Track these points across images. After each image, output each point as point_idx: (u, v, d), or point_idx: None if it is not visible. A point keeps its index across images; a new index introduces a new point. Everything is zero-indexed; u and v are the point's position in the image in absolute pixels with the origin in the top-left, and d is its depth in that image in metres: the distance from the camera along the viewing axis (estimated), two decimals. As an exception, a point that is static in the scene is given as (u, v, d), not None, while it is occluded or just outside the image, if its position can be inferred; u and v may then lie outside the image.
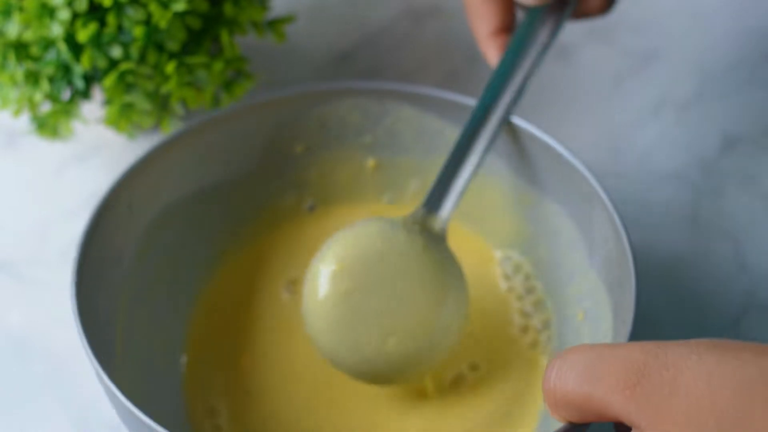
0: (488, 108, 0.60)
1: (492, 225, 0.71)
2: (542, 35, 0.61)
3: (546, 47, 0.61)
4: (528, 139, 0.66)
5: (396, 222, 0.59)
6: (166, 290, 0.69)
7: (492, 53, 0.63)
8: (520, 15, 0.68)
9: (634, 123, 0.82)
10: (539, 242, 0.69)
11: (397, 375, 0.59)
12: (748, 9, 0.86)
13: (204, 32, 0.72)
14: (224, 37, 0.72)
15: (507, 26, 0.63)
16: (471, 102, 0.65)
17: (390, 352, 0.57)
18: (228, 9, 0.72)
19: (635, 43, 0.85)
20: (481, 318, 0.68)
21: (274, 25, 0.76)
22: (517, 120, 0.66)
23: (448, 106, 0.67)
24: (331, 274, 0.58)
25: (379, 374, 0.59)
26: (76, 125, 0.79)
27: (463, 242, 0.69)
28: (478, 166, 0.60)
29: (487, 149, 0.60)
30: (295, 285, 0.70)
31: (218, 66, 0.72)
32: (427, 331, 0.57)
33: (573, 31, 0.84)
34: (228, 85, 0.74)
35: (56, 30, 0.69)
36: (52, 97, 0.72)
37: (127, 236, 0.67)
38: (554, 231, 0.68)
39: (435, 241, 0.59)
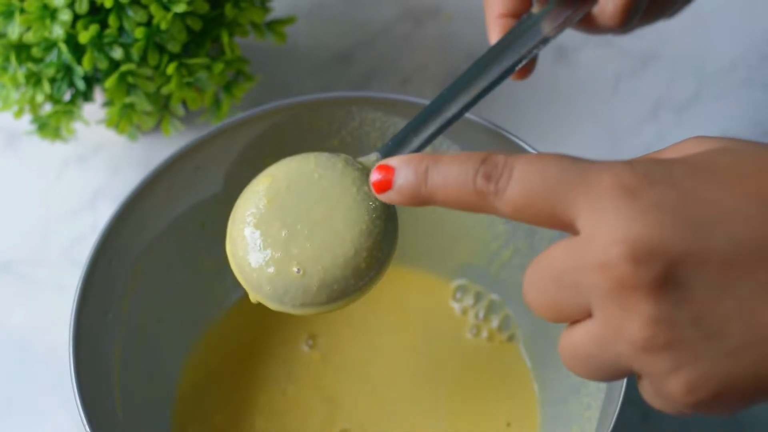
0: (472, 79, 0.61)
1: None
2: (546, 28, 0.62)
3: (546, 40, 0.62)
4: (495, 138, 0.68)
5: (339, 155, 0.59)
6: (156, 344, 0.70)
7: (494, 32, 0.64)
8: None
9: (632, 124, 0.82)
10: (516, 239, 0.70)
11: (296, 299, 0.57)
12: (746, 11, 0.86)
13: (204, 33, 0.73)
14: (224, 38, 0.72)
15: (517, 13, 0.63)
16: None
17: (292, 276, 0.56)
18: (228, 10, 0.72)
19: (634, 44, 0.85)
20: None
21: (274, 26, 0.76)
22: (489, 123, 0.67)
23: (411, 108, 0.68)
24: (260, 186, 0.58)
25: (278, 295, 0.57)
26: (77, 126, 0.79)
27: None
28: (444, 128, 0.60)
29: (460, 115, 0.60)
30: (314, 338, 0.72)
31: (219, 67, 0.72)
32: (334, 264, 0.56)
33: (573, 33, 0.84)
34: (228, 86, 0.74)
35: (57, 31, 0.69)
36: (54, 99, 0.72)
37: (113, 294, 0.67)
38: (531, 228, 0.69)
39: None
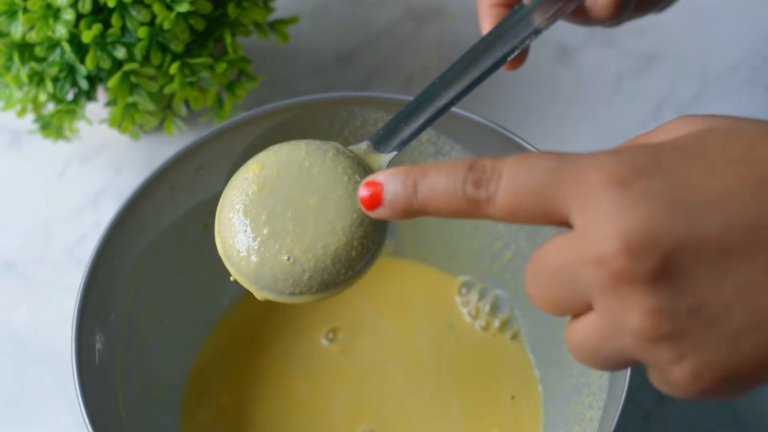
0: (463, 69, 0.60)
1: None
2: (538, 18, 0.62)
3: (538, 31, 0.62)
4: (495, 136, 0.68)
5: (329, 143, 0.59)
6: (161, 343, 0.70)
7: (486, 21, 0.64)
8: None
9: (635, 124, 0.82)
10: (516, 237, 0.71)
11: (285, 288, 0.56)
12: (747, 11, 0.86)
13: (207, 33, 0.73)
14: (227, 37, 0.72)
15: (510, 3, 0.63)
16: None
17: (282, 264, 0.56)
18: (231, 10, 0.72)
19: (636, 44, 0.85)
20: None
21: (277, 26, 0.76)
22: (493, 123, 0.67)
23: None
24: (249, 173, 0.57)
25: (269, 284, 0.56)
26: (80, 125, 0.79)
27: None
28: (435, 118, 0.60)
29: (451, 105, 0.60)
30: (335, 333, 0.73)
31: (221, 67, 0.72)
32: (325, 253, 0.55)
33: (575, 33, 0.84)
34: (231, 86, 0.74)
35: (60, 31, 0.69)
36: (57, 98, 0.72)
37: (117, 290, 0.67)
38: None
39: (364, 171, 0.58)
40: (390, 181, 0.48)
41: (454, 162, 0.47)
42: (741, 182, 0.43)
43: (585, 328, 0.44)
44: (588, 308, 0.44)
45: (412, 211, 0.48)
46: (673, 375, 0.43)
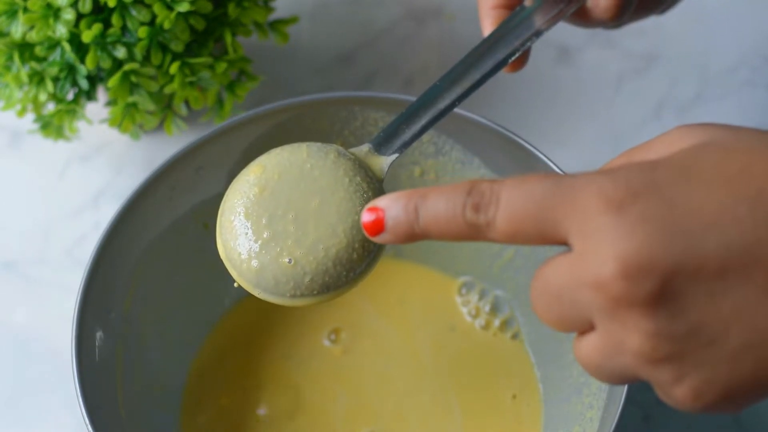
0: (464, 71, 0.60)
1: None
2: (539, 20, 0.62)
3: (540, 33, 0.62)
4: (497, 137, 0.68)
5: (330, 145, 0.59)
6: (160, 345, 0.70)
7: (487, 23, 0.64)
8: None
9: (635, 124, 0.82)
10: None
11: (287, 290, 0.56)
12: (747, 11, 0.86)
13: (207, 33, 0.73)
14: (228, 37, 0.72)
15: (511, 5, 0.63)
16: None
17: (284, 266, 0.56)
18: (231, 10, 0.72)
19: (636, 45, 0.85)
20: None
21: (277, 26, 0.76)
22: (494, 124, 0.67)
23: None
24: (251, 176, 0.57)
25: (270, 286, 0.56)
26: (80, 125, 0.79)
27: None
28: (436, 120, 0.60)
29: (452, 107, 0.60)
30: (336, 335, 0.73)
31: (221, 66, 0.72)
32: (326, 255, 0.56)
33: (575, 33, 0.84)
34: (231, 86, 0.74)
35: (61, 30, 0.69)
36: (57, 98, 0.72)
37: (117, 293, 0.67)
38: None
39: (365, 173, 0.58)
40: (392, 206, 0.49)
41: (454, 186, 0.47)
42: (736, 200, 0.43)
43: (588, 346, 0.45)
44: (591, 327, 0.45)
45: (414, 236, 0.49)
46: (675, 393, 0.44)
